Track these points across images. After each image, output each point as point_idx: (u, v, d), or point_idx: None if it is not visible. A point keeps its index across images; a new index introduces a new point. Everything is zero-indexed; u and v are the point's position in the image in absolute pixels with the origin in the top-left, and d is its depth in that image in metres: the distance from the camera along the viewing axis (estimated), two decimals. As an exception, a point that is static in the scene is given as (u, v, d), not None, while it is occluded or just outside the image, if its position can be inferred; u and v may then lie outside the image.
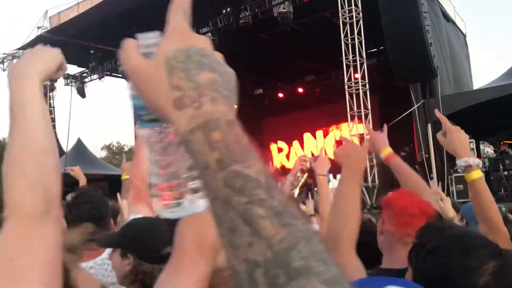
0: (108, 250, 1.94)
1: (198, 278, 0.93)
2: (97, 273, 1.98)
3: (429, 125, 11.89)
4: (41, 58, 1.03)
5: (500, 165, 11.69)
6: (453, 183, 11.28)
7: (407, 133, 12.93)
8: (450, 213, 3.03)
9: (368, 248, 1.96)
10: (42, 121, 0.87)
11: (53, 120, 18.06)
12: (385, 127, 2.59)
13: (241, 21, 13.56)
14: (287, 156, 20.41)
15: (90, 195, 2.35)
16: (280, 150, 20.70)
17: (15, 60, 1.08)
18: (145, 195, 2.07)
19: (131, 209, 2.08)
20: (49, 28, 16.62)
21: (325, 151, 3.02)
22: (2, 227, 0.78)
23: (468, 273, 1.23)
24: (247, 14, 13.47)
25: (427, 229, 1.52)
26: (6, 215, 0.79)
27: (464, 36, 16.89)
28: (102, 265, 2.01)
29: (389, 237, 1.92)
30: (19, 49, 17.56)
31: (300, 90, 18.27)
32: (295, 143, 20.19)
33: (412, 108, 12.01)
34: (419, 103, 11.99)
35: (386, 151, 2.50)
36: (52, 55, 1.05)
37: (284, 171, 15.36)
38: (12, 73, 0.95)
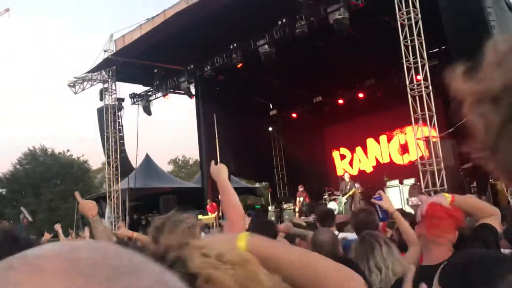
0: None
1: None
2: None
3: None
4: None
5: None
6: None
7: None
8: None
9: None
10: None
11: (122, 138, 18.91)
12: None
13: (297, 30, 13.63)
14: (350, 163, 20.13)
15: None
16: (342, 157, 20.46)
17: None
18: (238, 227, 2.20)
19: None
20: (114, 51, 17.48)
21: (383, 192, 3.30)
22: None
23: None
24: (302, 23, 13.52)
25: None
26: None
27: (534, 28, 15.97)
28: None
29: (424, 239, 2.25)
30: (88, 72, 18.61)
31: (361, 95, 18.00)
32: (358, 149, 19.88)
33: (480, 107, 11.50)
34: (487, 102, 11.46)
35: (447, 198, 2.49)
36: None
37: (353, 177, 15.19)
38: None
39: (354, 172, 19.16)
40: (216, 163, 2.49)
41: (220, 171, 2.34)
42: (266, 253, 1.01)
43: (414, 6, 11.68)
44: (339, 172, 19.02)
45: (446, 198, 2.45)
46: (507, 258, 1.44)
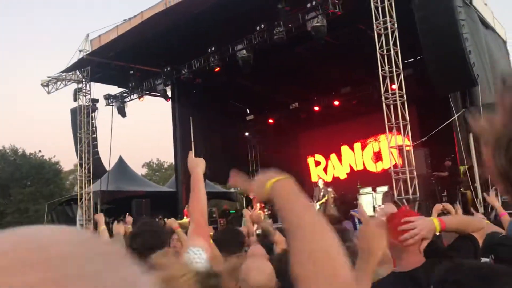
0: None
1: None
2: None
3: (471, 135, 11.59)
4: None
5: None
6: (498, 194, 10.90)
7: (448, 143, 12.65)
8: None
9: None
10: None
11: (95, 139, 18.61)
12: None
13: (275, 36, 13.68)
14: (325, 170, 20.26)
15: (152, 224, 2.52)
16: (317, 163, 20.59)
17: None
18: (204, 229, 2.23)
19: (190, 241, 2.20)
20: (90, 51, 17.23)
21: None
22: None
23: None
24: (280, 30, 13.57)
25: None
26: None
27: (505, 42, 16.44)
28: None
29: (394, 249, 2.23)
30: (63, 72, 18.28)
31: (336, 102, 18.17)
32: (333, 156, 20.05)
33: (453, 118, 11.74)
34: (460, 113, 11.71)
35: (436, 224, 2.31)
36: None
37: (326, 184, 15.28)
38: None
39: (329, 178, 19.29)
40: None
41: (197, 164, 2.32)
42: (282, 201, 1.09)
43: (390, 16, 11.85)
44: (314, 179, 19.11)
45: (435, 225, 2.27)
46: (503, 271, 1.35)
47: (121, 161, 23.33)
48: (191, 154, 2.47)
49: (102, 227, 5.06)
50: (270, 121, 20.45)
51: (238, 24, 14.03)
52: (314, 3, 12.80)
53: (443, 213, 4.85)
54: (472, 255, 2.29)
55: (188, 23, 13.87)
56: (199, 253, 2.04)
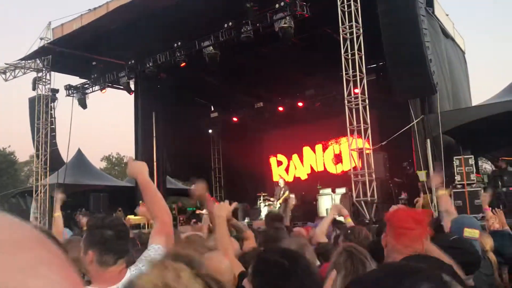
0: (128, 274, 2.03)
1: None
2: None
3: (428, 141, 11.93)
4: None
5: (499, 182, 11.70)
6: (452, 199, 11.28)
7: (406, 148, 12.99)
8: None
9: None
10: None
11: (53, 130, 18.09)
12: None
13: (242, 35, 13.67)
14: (286, 170, 20.42)
15: (116, 218, 2.55)
16: (279, 163, 20.72)
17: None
18: (169, 228, 2.28)
19: (152, 239, 2.23)
20: (51, 40, 16.73)
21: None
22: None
23: None
24: (248, 28, 13.58)
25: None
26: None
27: (463, 53, 17.00)
28: None
29: (390, 248, 2.23)
30: (22, 59, 17.67)
31: (300, 104, 18.34)
32: (295, 156, 20.22)
33: (411, 124, 12.06)
34: (418, 119, 12.05)
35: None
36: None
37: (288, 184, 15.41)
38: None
39: (290, 178, 19.45)
40: (133, 160, 2.47)
41: (141, 170, 2.31)
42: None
43: (356, 21, 12.05)
44: (275, 178, 19.21)
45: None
46: (421, 269, 1.43)
47: (79, 153, 22.77)
48: (130, 159, 2.52)
49: (57, 213, 4.92)
50: (234, 119, 20.43)
51: (205, 20, 13.94)
52: (282, 4, 12.87)
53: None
54: (470, 255, 2.29)
55: (154, 16, 13.67)
56: (159, 249, 2.11)
